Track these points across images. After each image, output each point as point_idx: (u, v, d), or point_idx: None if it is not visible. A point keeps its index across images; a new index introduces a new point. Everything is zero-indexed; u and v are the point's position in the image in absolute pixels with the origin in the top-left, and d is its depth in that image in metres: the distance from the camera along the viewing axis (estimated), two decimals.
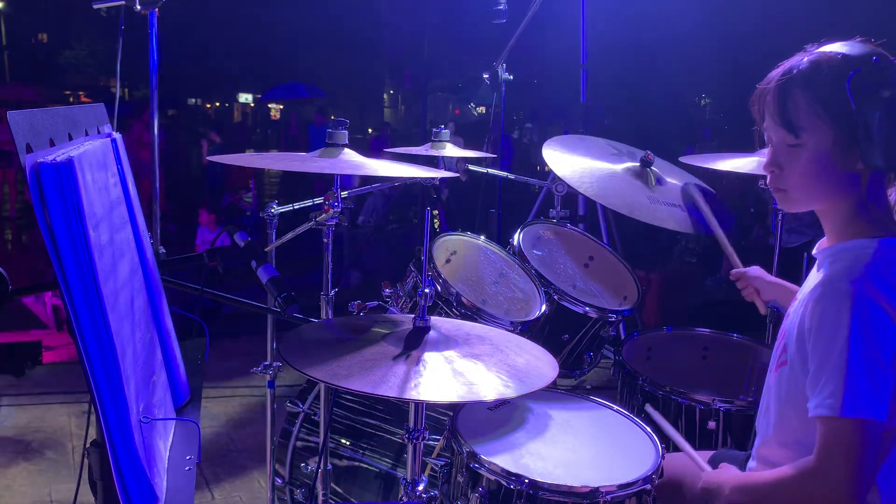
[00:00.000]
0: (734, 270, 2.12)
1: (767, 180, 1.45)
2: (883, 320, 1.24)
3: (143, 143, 10.04)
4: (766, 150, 1.45)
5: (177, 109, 13.39)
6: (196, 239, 6.58)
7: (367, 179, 2.65)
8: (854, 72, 1.28)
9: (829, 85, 1.30)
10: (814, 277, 1.42)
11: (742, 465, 1.62)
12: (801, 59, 1.35)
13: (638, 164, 2.50)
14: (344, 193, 1.98)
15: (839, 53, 1.32)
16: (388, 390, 1.26)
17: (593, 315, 2.24)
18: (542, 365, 1.47)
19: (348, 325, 1.62)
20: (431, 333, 1.46)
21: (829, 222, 1.42)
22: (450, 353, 1.42)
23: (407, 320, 1.52)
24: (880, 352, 1.23)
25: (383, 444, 2.10)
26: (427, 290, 1.44)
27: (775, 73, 1.38)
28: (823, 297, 1.30)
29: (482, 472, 1.56)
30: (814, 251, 1.45)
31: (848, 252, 1.35)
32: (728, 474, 1.47)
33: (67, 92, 16.75)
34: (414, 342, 1.43)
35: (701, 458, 1.67)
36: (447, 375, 1.34)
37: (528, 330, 2.08)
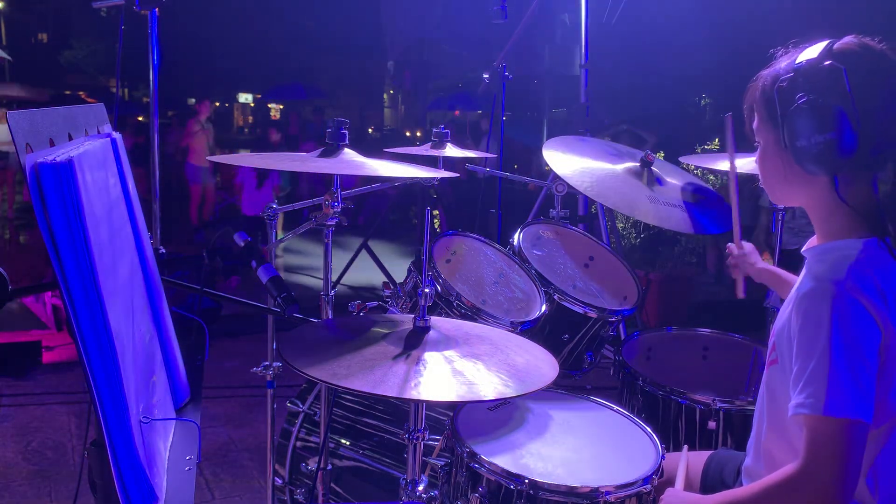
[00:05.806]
0: (731, 244, 2.11)
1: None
2: (866, 320, 1.24)
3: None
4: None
5: (175, 109, 13.42)
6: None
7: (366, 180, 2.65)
8: (785, 76, 1.34)
9: (769, 89, 1.38)
10: (802, 276, 1.43)
11: (740, 466, 1.61)
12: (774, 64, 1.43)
13: (638, 163, 2.50)
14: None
15: (792, 58, 1.38)
16: (388, 390, 1.26)
17: (593, 315, 2.24)
18: (542, 365, 1.47)
19: (348, 325, 1.62)
20: (431, 333, 1.46)
21: (814, 220, 1.45)
22: (450, 353, 1.42)
23: (407, 320, 1.52)
24: (864, 351, 1.22)
25: (383, 444, 2.10)
26: (427, 290, 1.44)
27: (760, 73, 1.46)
28: (807, 296, 1.30)
29: (482, 472, 1.56)
30: (802, 250, 1.46)
31: (833, 252, 1.35)
32: (700, 495, 1.44)
33: (67, 92, 16.77)
34: (414, 342, 1.43)
35: (693, 462, 1.66)
36: (447, 375, 1.34)
37: (528, 330, 2.08)
